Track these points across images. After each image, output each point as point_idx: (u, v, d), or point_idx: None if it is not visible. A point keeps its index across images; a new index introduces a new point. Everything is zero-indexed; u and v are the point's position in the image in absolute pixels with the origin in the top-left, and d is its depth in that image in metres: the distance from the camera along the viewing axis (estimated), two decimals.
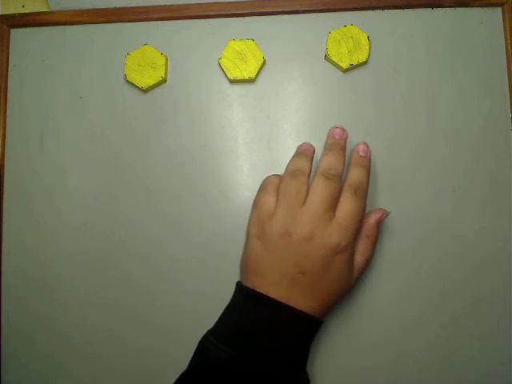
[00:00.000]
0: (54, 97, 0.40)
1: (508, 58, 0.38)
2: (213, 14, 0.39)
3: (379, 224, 0.34)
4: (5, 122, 0.39)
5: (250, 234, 0.33)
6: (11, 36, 0.41)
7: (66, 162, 0.39)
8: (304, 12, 0.39)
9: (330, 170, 0.32)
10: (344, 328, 0.36)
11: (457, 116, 0.38)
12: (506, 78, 0.38)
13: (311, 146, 0.35)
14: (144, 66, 0.39)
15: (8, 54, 0.40)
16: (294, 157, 0.35)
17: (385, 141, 0.38)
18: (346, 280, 0.32)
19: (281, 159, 0.38)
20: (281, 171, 0.38)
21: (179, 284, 0.37)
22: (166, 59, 0.39)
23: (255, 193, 0.37)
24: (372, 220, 0.34)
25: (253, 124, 0.38)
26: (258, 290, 0.31)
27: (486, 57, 0.38)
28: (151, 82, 0.38)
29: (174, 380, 0.31)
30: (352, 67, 0.38)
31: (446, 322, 0.36)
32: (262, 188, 0.34)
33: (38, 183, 0.39)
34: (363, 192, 0.33)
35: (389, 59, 0.38)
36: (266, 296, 0.31)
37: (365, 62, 0.38)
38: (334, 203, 0.32)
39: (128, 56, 0.39)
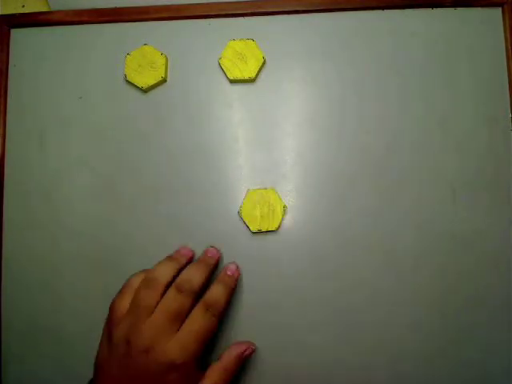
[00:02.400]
0: (54, 97, 0.40)
1: (508, 58, 0.38)
2: (213, 13, 0.39)
3: (241, 358, 0.32)
4: (5, 121, 0.39)
5: (102, 334, 0.33)
6: (11, 36, 0.41)
7: (66, 162, 0.39)
8: (304, 12, 0.39)
9: (185, 283, 0.32)
10: (341, 327, 0.36)
11: (457, 116, 0.38)
12: (506, 78, 0.38)
13: (190, 251, 0.35)
14: (144, 66, 0.39)
15: (8, 54, 0.40)
16: (162, 261, 0.34)
17: (384, 140, 0.38)
18: None
19: (281, 159, 0.38)
20: (281, 171, 0.38)
21: None
22: (166, 59, 0.39)
23: None
24: (233, 352, 0.32)
25: (253, 124, 0.38)
26: None
27: (486, 57, 0.38)
28: (151, 81, 0.38)
29: None
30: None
31: (444, 323, 0.36)
32: (121, 290, 0.33)
33: (38, 183, 0.39)
34: (217, 311, 0.32)
35: (388, 59, 0.38)
36: None
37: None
38: (180, 318, 0.31)
39: (128, 56, 0.39)
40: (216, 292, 0.33)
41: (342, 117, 0.38)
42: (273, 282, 0.37)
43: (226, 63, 0.38)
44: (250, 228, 0.36)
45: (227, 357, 0.32)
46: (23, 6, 0.42)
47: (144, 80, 0.38)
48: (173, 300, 0.31)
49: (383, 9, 0.39)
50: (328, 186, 0.37)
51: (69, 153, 0.39)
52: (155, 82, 0.38)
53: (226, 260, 0.37)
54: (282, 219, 0.37)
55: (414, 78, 0.38)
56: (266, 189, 0.37)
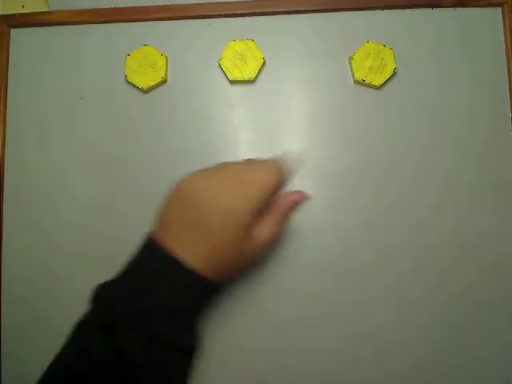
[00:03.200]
0: (54, 97, 0.40)
1: (508, 58, 0.38)
2: (213, 13, 0.39)
3: (295, 204, 0.33)
4: (5, 121, 0.39)
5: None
6: (11, 36, 0.41)
7: (65, 162, 0.39)
8: (304, 12, 0.39)
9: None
10: (347, 332, 0.36)
11: (456, 116, 0.38)
12: (506, 78, 0.38)
13: None
14: (144, 66, 0.38)
15: (8, 54, 0.40)
16: None
17: (384, 141, 0.38)
18: (234, 241, 0.30)
19: None
20: None
21: None
22: (167, 60, 0.39)
23: None
24: (289, 197, 0.33)
25: (253, 124, 0.38)
26: (152, 234, 0.31)
27: (486, 57, 0.38)
28: (151, 82, 0.38)
29: None
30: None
31: (446, 324, 0.36)
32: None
33: (38, 183, 0.39)
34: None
35: None
36: (153, 238, 0.31)
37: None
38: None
39: (128, 56, 0.39)
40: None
41: (342, 117, 0.38)
42: None
43: (226, 64, 0.38)
44: (355, 75, 0.37)
45: (283, 205, 0.33)
46: (23, 6, 0.42)
47: (144, 80, 0.38)
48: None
49: (383, 9, 0.39)
50: (328, 186, 0.37)
51: (68, 153, 0.39)
52: (155, 82, 0.38)
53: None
54: (389, 79, 0.37)
55: (414, 77, 0.38)
56: (384, 46, 0.38)
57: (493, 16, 0.39)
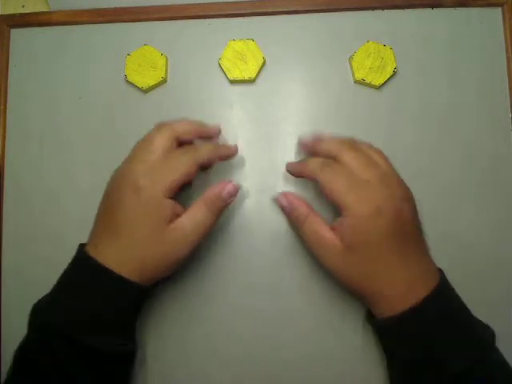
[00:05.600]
0: (54, 97, 0.40)
1: (508, 58, 0.38)
2: (213, 13, 0.39)
3: (221, 195, 0.31)
4: (5, 121, 0.39)
5: None
6: (11, 36, 0.41)
7: (65, 163, 0.39)
8: (304, 12, 0.39)
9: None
10: (342, 327, 0.36)
11: (457, 116, 0.38)
12: (506, 78, 0.38)
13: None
14: (144, 66, 0.39)
15: (8, 54, 0.40)
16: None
17: (384, 140, 0.37)
18: (153, 235, 0.30)
19: (281, 159, 0.38)
20: (281, 171, 0.38)
21: (176, 283, 0.37)
22: (167, 59, 0.39)
23: (255, 192, 0.38)
24: (213, 189, 0.32)
25: (253, 124, 0.39)
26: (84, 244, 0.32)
27: (486, 57, 0.38)
28: (151, 82, 0.38)
29: None
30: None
31: None
32: None
33: (38, 183, 0.39)
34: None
35: None
36: (82, 249, 0.31)
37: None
38: None
39: (128, 56, 0.39)
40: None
41: (342, 117, 0.38)
42: None
43: (226, 63, 0.38)
44: (356, 75, 0.37)
45: (207, 192, 0.32)
46: (23, 6, 0.42)
47: (144, 80, 0.38)
48: None
49: (383, 9, 0.39)
50: None
51: (69, 153, 0.39)
52: (155, 82, 0.38)
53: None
54: (389, 78, 0.37)
55: (414, 77, 0.38)
56: (384, 46, 0.38)
57: (493, 16, 0.39)
